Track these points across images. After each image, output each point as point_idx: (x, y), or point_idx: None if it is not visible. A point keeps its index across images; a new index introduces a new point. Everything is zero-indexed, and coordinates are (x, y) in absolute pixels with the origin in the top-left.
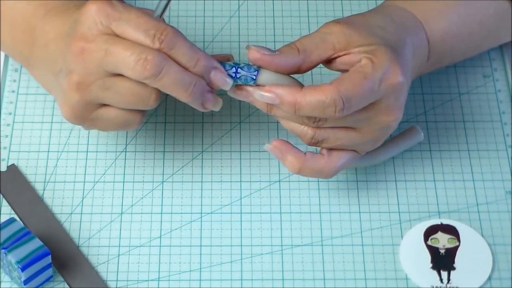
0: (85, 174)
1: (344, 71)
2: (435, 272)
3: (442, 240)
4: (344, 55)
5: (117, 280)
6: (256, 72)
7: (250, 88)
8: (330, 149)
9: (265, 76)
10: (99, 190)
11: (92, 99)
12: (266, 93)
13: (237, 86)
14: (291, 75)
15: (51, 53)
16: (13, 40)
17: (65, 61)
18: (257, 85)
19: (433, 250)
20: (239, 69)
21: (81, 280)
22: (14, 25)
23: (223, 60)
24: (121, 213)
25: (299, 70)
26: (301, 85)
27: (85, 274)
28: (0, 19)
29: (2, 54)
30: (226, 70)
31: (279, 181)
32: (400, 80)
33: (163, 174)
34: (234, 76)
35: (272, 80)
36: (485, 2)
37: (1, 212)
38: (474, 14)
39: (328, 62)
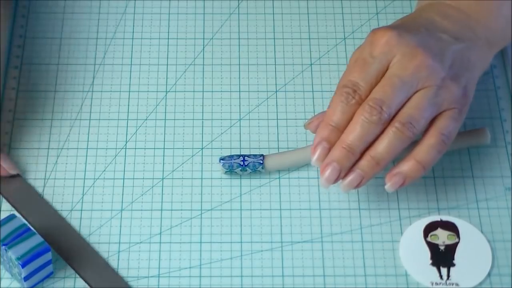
0: (85, 171)
1: None
2: (434, 269)
3: (442, 237)
4: None
5: None
6: (262, 157)
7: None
8: None
9: (270, 160)
10: (99, 187)
11: None
12: (325, 173)
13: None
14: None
15: None
16: None
17: None
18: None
19: (433, 247)
20: (246, 157)
21: (92, 271)
22: None
23: None
24: (121, 210)
25: None
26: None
27: (94, 264)
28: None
29: (3, 52)
30: (235, 160)
31: (279, 177)
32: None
33: (163, 170)
34: (242, 164)
35: (277, 160)
36: None
37: (2, 209)
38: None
39: None
